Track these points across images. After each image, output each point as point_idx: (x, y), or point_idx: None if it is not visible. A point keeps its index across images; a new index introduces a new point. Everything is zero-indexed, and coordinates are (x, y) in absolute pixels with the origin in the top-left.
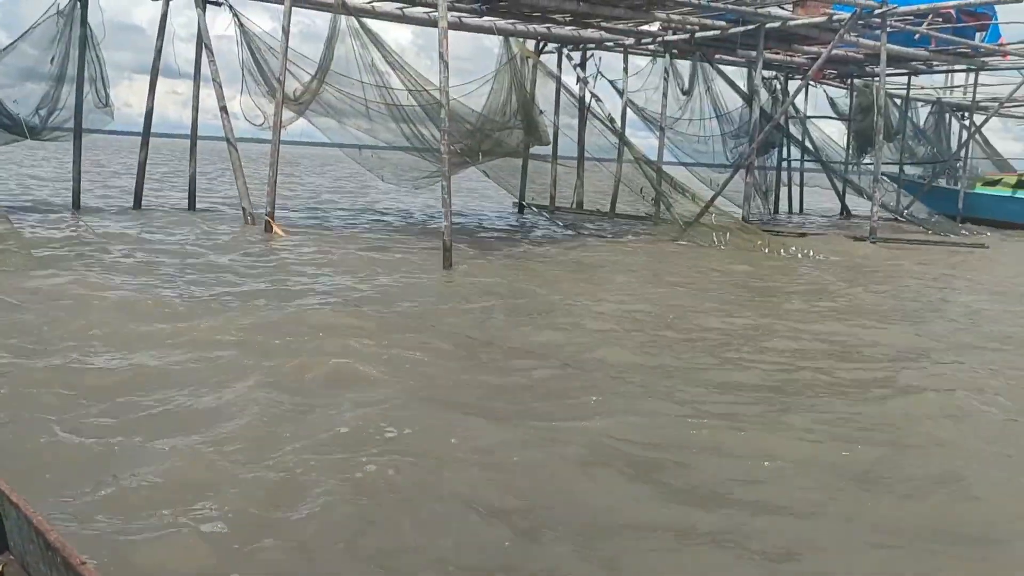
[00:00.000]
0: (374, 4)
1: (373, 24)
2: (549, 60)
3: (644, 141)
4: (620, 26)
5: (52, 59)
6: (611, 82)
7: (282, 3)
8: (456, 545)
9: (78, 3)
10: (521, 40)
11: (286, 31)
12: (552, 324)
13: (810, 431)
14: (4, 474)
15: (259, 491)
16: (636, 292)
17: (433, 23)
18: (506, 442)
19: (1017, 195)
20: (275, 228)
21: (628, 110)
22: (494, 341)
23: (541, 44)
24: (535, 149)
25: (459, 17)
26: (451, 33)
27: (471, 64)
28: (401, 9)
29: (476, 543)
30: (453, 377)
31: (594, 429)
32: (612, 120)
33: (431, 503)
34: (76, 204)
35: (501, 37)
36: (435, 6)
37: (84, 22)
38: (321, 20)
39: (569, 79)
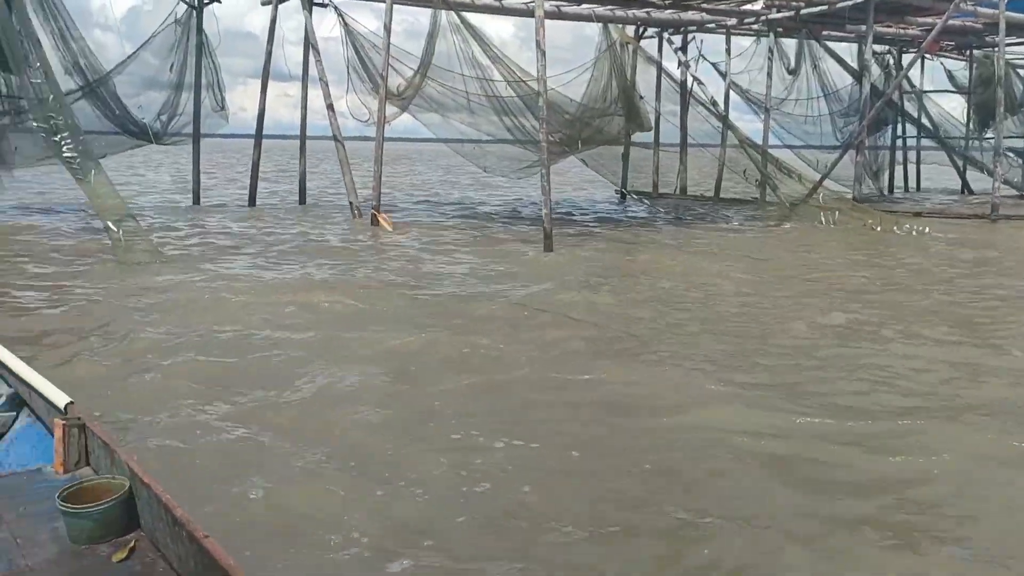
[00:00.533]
0: None
1: (473, 18)
2: (649, 45)
3: (749, 125)
4: (722, 6)
5: (171, 67)
6: (713, 65)
7: (384, 1)
8: None
9: (194, 12)
10: (620, 26)
11: (388, 28)
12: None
13: None
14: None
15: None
16: (740, 275)
17: (531, 13)
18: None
19: None
20: (381, 221)
21: (731, 93)
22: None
23: (641, 29)
24: (636, 136)
25: (557, 6)
26: (551, 23)
27: (570, 54)
28: (499, 1)
29: None
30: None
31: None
32: (715, 104)
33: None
34: (196, 202)
35: (600, 24)
36: None
37: (200, 30)
38: (424, 16)
39: (670, 64)
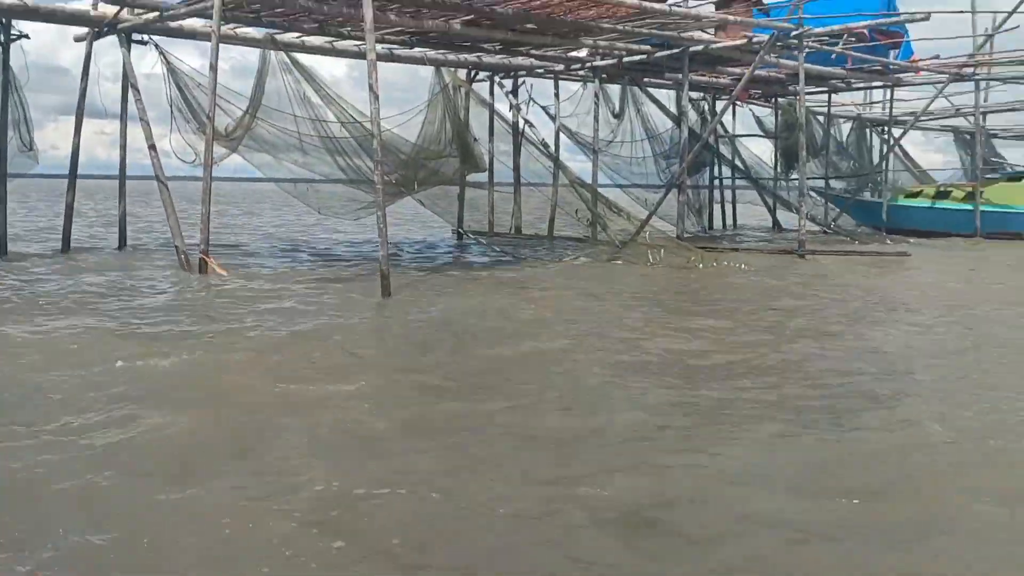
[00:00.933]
0: (304, 39)
1: (305, 58)
2: (482, 88)
3: (579, 165)
4: (550, 53)
5: None
6: (543, 108)
7: (209, 40)
8: None
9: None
10: (453, 69)
11: (214, 68)
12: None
13: None
14: None
15: None
16: (575, 308)
17: (363, 55)
18: None
19: (937, 205)
20: (211, 265)
21: (561, 135)
22: (437, 365)
23: (473, 73)
24: (472, 176)
25: (390, 49)
26: (386, 64)
27: (408, 94)
28: (331, 43)
29: None
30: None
31: None
32: (546, 145)
33: None
34: (3, 251)
35: (433, 67)
36: (364, 39)
37: (7, 66)
38: (253, 55)
39: (502, 106)
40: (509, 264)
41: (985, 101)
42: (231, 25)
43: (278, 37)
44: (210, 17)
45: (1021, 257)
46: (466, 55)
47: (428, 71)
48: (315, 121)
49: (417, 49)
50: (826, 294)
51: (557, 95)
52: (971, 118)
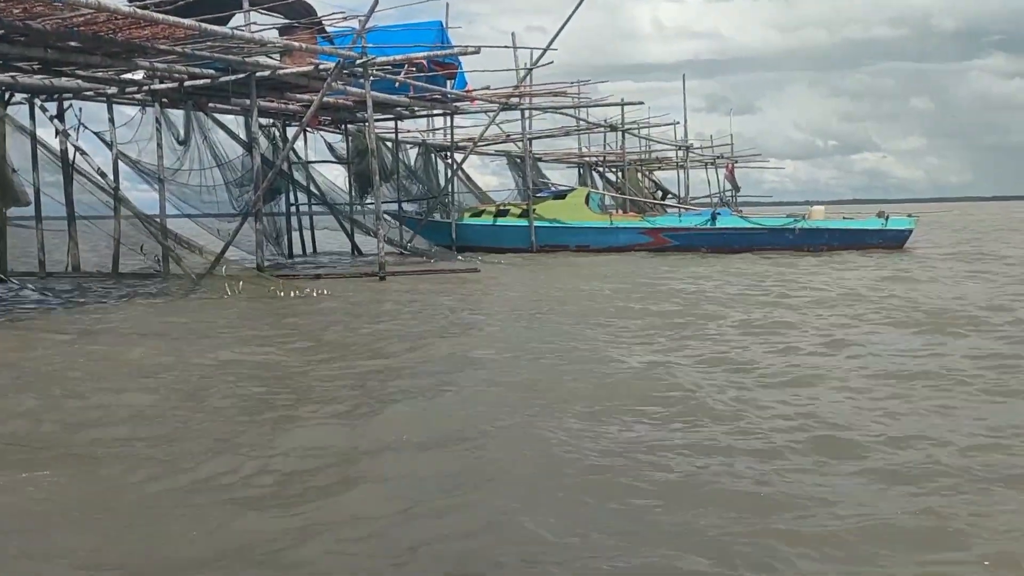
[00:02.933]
0: None
1: None
2: (20, 112)
3: (145, 195)
4: (100, 74)
5: None
6: (97, 134)
7: None
8: None
9: None
10: None
11: None
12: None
13: None
14: None
15: None
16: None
17: None
18: None
19: (498, 223)
20: None
21: (121, 163)
22: None
23: (8, 94)
24: (13, 211)
25: None
26: None
27: None
28: None
29: None
30: None
31: None
32: (103, 175)
33: None
34: None
35: None
36: None
37: None
38: None
39: (47, 132)
40: (71, 307)
41: (530, 128)
42: None
43: None
44: None
45: (567, 264)
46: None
47: None
48: None
49: None
50: (408, 311)
51: (112, 120)
52: (520, 144)
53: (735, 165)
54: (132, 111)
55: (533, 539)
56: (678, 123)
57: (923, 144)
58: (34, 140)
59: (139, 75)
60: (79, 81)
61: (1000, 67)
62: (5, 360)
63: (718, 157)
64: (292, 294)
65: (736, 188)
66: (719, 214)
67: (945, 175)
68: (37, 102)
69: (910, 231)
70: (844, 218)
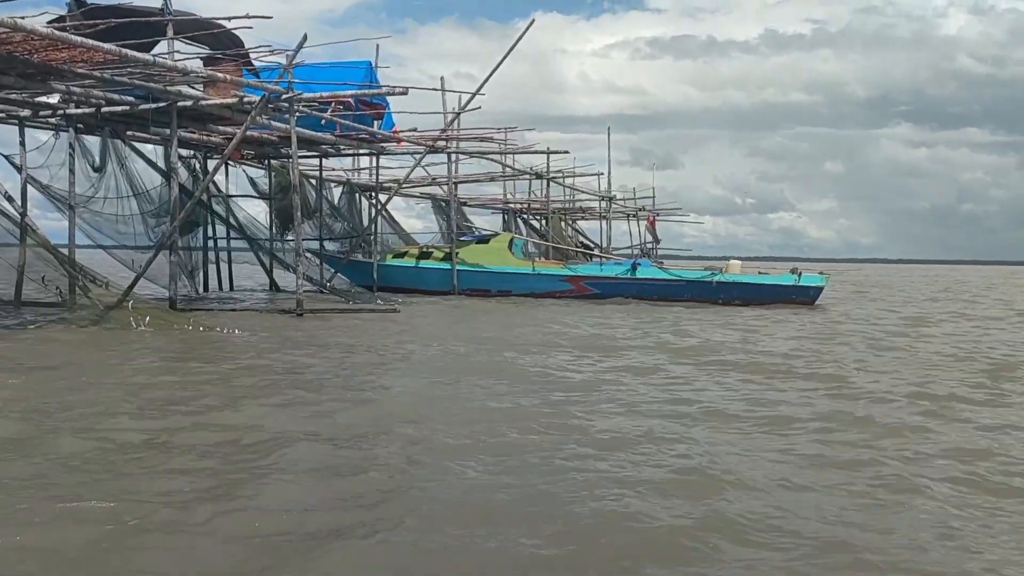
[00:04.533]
0: None
1: None
2: None
3: (55, 223)
4: (12, 96)
5: None
6: (6, 157)
7: None
8: None
9: None
10: None
11: None
12: None
13: None
14: None
15: None
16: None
17: None
18: None
19: (420, 265)
20: None
21: (30, 188)
22: None
23: None
24: None
25: None
26: None
27: None
28: None
29: None
30: None
31: None
32: (11, 199)
33: None
34: None
35: None
36: None
37: None
38: None
39: None
40: None
41: (456, 172)
42: None
43: None
44: None
45: (486, 308)
46: None
47: None
48: None
49: None
50: (323, 350)
51: (23, 143)
52: (445, 187)
53: (656, 218)
54: (45, 135)
55: None
56: (602, 174)
57: (835, 206)
58: None
59: (54, 98)
60: None
61: (907, 136)
62: None
63: (640, 209)
64: (201, 329)
65: (657, 240)
66: (640, 264)
67: (856, 236)
68: None
69: (821, 288)
70: (760, 273)
